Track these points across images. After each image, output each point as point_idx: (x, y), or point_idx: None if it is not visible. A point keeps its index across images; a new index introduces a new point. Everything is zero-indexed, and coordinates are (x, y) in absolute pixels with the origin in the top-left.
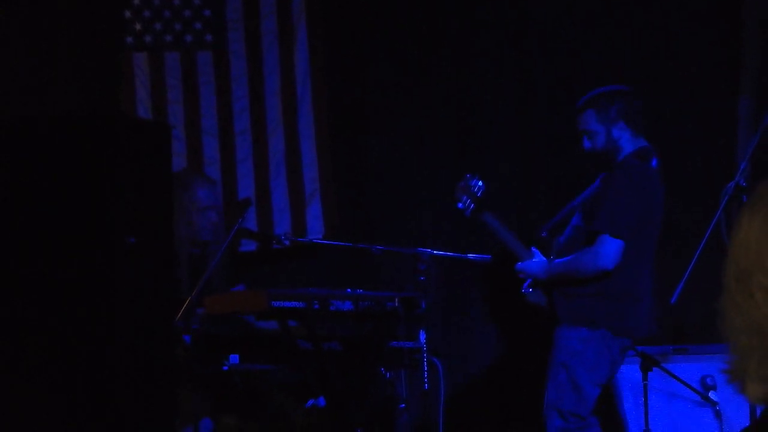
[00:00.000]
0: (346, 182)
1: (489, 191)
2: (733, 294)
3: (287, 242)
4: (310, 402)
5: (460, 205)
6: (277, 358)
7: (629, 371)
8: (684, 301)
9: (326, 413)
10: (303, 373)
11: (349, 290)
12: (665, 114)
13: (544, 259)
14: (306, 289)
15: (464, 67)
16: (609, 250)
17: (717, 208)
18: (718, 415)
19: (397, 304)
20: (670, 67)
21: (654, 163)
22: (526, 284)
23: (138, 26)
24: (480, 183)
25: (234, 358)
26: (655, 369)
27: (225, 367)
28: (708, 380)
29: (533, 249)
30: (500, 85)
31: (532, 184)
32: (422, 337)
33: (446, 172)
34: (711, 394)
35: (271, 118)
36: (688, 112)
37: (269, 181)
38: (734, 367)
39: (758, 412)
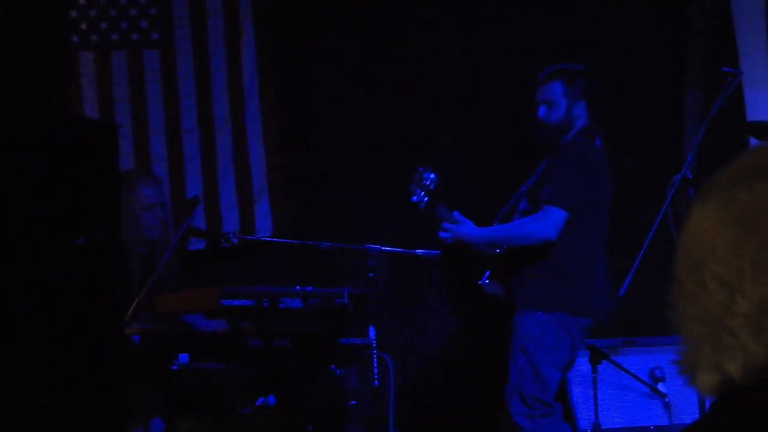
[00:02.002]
0: (294, 180)
1: (441, 183)
2: (684, 283)
3: (236, 240)
4: (261, 400)
5: (414, 198)
6: (227, 357)
7: (578, 364)
8: (632, 293)
9: (277, 411)
10: (253, 371)
11: (298, 288)
12: (613, 107)
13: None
14: (255, 287)
15: (412, 65)
16: (552, 220)
17: (664, 200)
18: (667, 406)
19: (346, 301)
20: (617, 61)
21: (598, 141)
22: (484, 277)
23: (84, 25)
24: (432, 175)
25: (183, 357)
26: (604, 362)
27: (174, 367)
28: (657, 372)
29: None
30: (447, 81)
31: (482, 179)
32: (372, 333)
33: (395, 168)
34: (660, 386)
35: (219, 116)
36: (636, 105)
37: (217, 180)
38: (686, 358)
39: (707, 404)
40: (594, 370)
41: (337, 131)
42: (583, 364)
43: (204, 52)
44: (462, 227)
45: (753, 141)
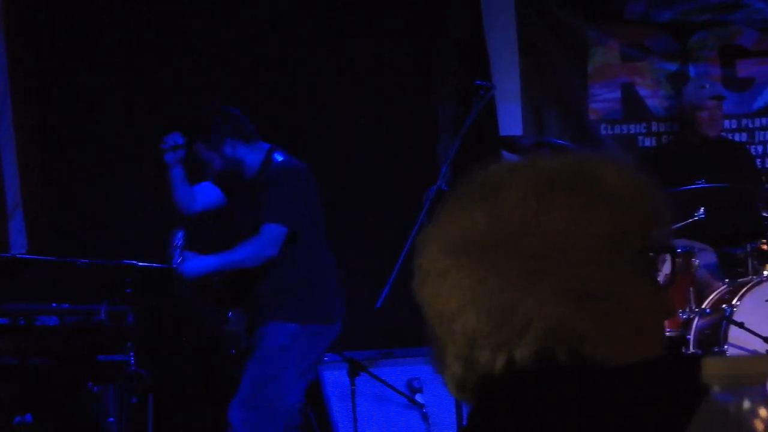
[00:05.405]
0: (50, 195)
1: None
2: (423, 287)
3: None
4: (18, 419)
5: (175, 264)
6: None
7: (336, 377)
8: (389, 305)
9: (34, 429)
10: (9, 390)
11: (54, 305)
12: (367, 121)
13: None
14: (10, 305)
15: (178, 76)
16: (270, 236)
17: (420, 212)
18: (425, 417)
19: (103, 318)
20: (371, 71)
21: (292, 160)
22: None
23: None
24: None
25: None
26: (362, 374)
27: None
28: (414, 383)
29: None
30: (212, 90)
31: None
32: (130, 349)
33: (155, 182)
34: (417, 397)
35: None
36: (390, 117)
37: None
38: (435, 356)
39: (464, 413)
40: (352, 383)
41: (94, 146)
42: (341, 376)
43: None
44: (194, 265)
45: (506, 155)
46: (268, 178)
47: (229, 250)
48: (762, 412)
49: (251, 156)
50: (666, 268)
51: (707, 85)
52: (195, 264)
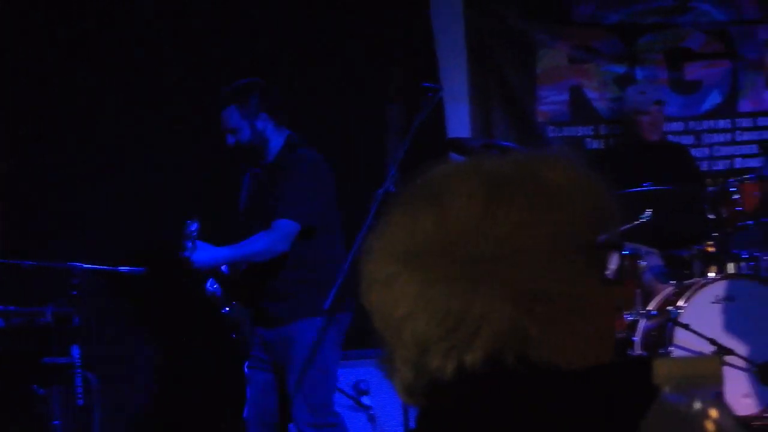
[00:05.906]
0: None
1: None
2: (371, 293)
3: None
4: None
5: (186, 253)
6: None
7: None
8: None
9: None
10: None
11: (0, 307)
12: (316, 121)
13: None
14: None
15: (130, 76)
16: (283, 232)
17: (368, 214)
18: (371, 419)
19: (49, 320)
20: (319, 75)
21: (305, 149)
22: (225, 308)
23: None
24: (196, 225)
25: None
26: None
27: None
28: (361, 385)
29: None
30: (167, 88)
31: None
32: (76, 352)
33: (100, 184)
34: (364, 399)
35: None
36: (339, 118)
37: None
38: (385, 361)
39: (411, 416)
40: None
41: (40, 149)
42: None
43: None
44: (204, 255)
45: (454, 157)
46: (289, 165)
47: (241, 243)
48: (712, 412)
49: (275, 139)
50: (614, 264)
51: (648, 91)
52: (205, 254)
